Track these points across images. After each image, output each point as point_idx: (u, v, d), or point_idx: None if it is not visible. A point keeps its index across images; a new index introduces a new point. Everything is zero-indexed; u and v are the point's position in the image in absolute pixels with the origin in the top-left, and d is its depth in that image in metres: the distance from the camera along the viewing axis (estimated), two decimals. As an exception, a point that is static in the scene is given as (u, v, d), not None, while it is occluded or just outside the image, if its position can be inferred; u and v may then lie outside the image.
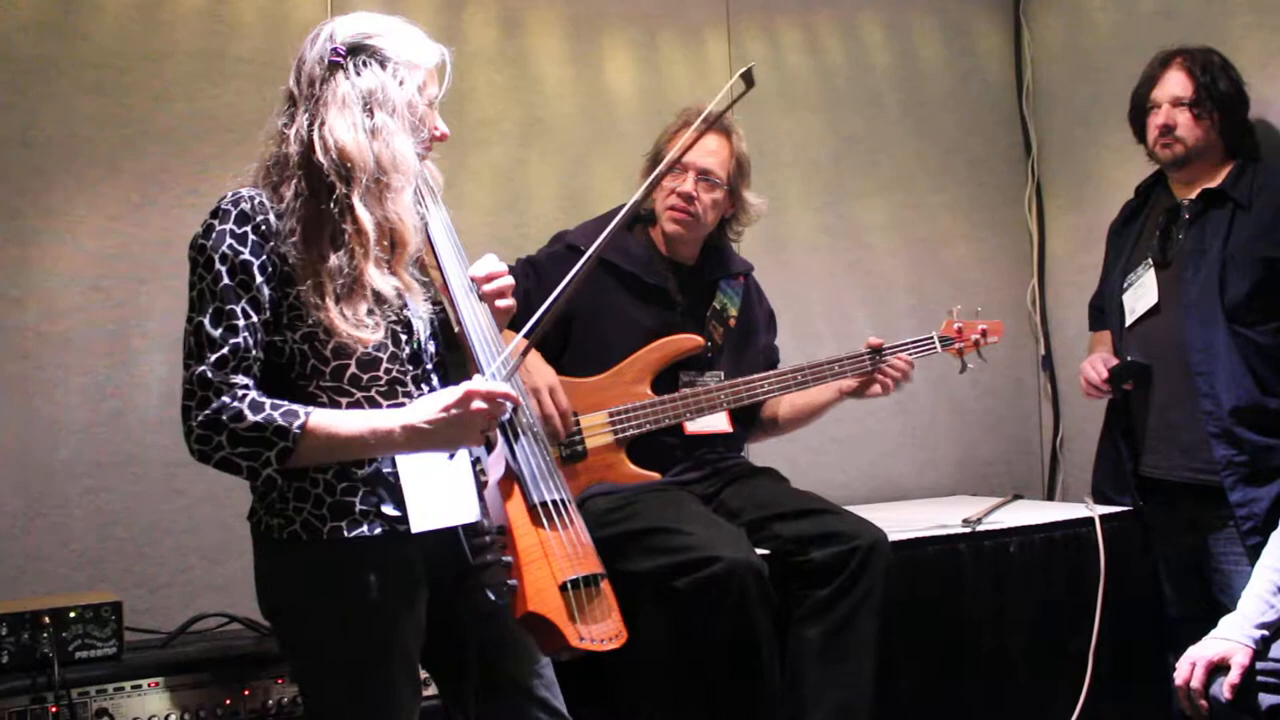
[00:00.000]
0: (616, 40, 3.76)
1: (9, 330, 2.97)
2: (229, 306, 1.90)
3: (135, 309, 3.08)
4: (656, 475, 2.86)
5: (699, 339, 2.98)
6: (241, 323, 1.90)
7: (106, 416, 3.05)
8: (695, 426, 2.99)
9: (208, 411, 1.86)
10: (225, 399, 1.86)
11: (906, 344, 3.09)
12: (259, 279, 1.92)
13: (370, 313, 1.97)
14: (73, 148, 3.04)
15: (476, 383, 1.93)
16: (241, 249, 1.92)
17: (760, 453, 3.43)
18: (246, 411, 1.86)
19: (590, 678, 2.56)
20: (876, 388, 3.05)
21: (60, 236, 3.02)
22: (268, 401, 1.88)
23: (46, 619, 2.47)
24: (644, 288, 3.01)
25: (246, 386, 1.89)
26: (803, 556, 2.75)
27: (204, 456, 1.88)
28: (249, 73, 3.22)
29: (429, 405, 1.92)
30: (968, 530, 3.19)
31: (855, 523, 2.81)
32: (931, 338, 3.14)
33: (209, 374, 1.86)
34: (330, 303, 1.93)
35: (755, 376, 3.00)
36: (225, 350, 1.88)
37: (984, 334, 3.18)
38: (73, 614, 2.50)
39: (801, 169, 3.99)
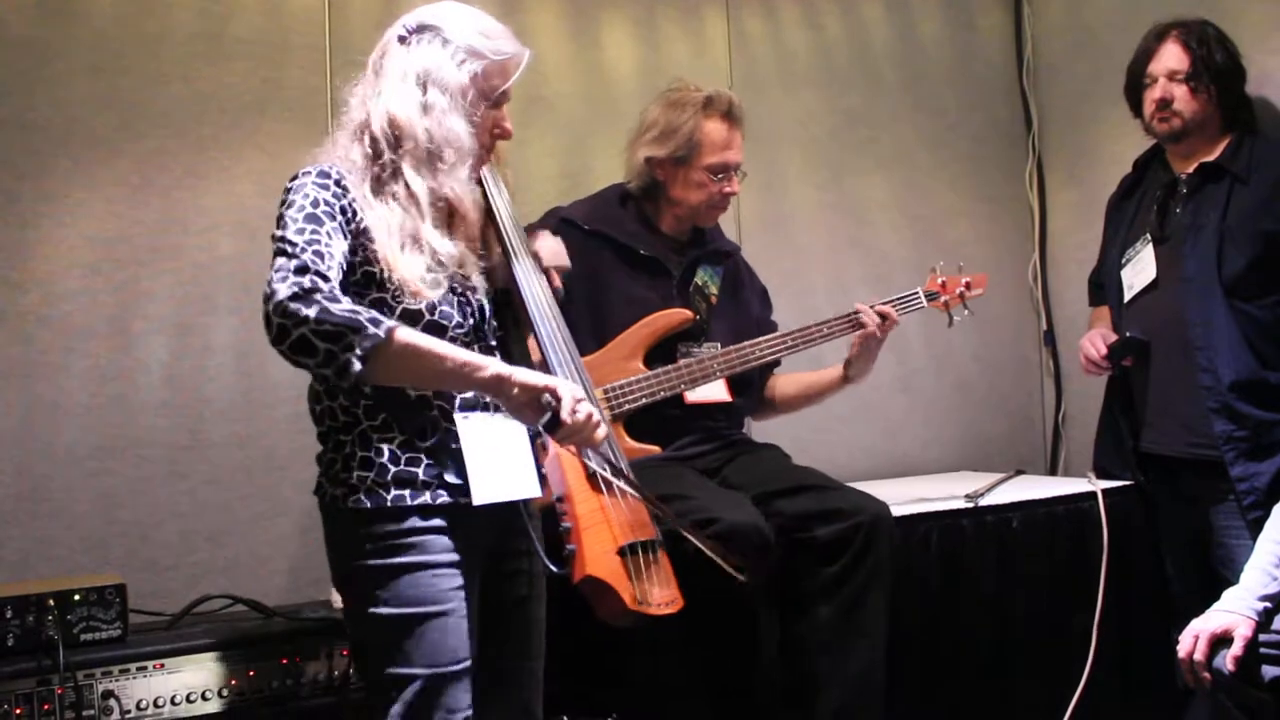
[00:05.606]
0: (615, 18, 3.75)
1: (9, 314, 2.96)
2: (313, 227, 1.93)
3: (135, 291, 3.08)
4: (656, 449, 2.85)
5: (688, 312, 2.99)
6: (324, 240, 1.92)
7: (108, 400, 3.04)
8: (694, 396, 2.99)
9: (303, 283, 1.84)
10: (320, 282, 1.85)
11: (893, 300, 3.11)
12: (339, 219, 1.97)
13: (430, 270, 2.00)
14: (70, 130, 3.03)
15: (575, 388, 1.97)
16: (323, 193, 1.98)
17: (764, 430, 3.43)
18: (343, 298, 1.86)
19: (590, 643, 2.54)
20: (871, 330, 3.02)
21: (59, 219, 3.01)
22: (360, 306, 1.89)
23: (51, 601, 2.48)
24: (641, 260, 3.02)
25: (334, 287, 1.88)
26: (806, 533, 2.75)
27: (283, 331, 1.82)
28: (247, 53, 3.21)
29: (528, 375, 1.95)
30: (971, 505, 3.19)
31: (857, 498, 2.82)
32: (916, 292, 3.16)
33: (306, 264, 1.87)
34: (396, 247, 1.98)
35: (747, 342, 3.02)
36: (311, 252, 1.89)
37: (968, 286, 3.22)
38: (77, 596, 2.50)
39: (801, 146, 3.98)
